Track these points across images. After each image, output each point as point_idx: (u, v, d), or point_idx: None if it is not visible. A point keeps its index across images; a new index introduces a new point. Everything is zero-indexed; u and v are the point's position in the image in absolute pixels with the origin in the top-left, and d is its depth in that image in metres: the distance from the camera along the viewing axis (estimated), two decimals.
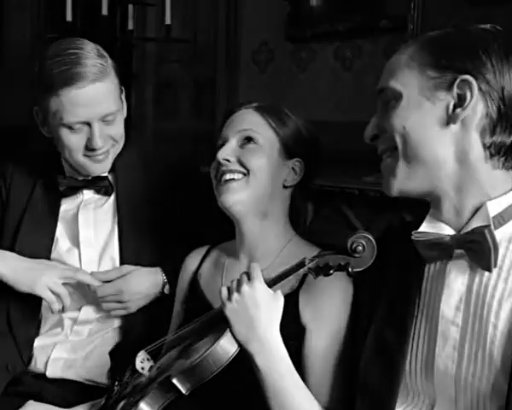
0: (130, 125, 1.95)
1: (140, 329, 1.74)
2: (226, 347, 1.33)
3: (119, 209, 1.81)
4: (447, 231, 1.20)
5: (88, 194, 1.84)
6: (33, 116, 1.78)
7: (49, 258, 1.80)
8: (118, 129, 1.75)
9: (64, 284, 1.75)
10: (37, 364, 1.79)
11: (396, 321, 1.25)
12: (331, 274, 1.33)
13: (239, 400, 1.44)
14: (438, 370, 1.19)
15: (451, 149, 1.17)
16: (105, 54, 1.73)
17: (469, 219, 1.18)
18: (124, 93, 1.81)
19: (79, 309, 1.81)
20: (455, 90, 1.15)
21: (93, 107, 1.67)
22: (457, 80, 1.15)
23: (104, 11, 2.96)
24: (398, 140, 1.19)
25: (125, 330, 1.79)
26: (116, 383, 1.52)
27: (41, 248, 1.80)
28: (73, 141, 1.71)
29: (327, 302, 1.42)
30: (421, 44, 1.20)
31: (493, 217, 1.16)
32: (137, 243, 1.78)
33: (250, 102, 1.60)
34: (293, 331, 1.42)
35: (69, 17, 3.08)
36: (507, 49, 1.16)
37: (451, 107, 1.16)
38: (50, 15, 4.02)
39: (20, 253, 1.78)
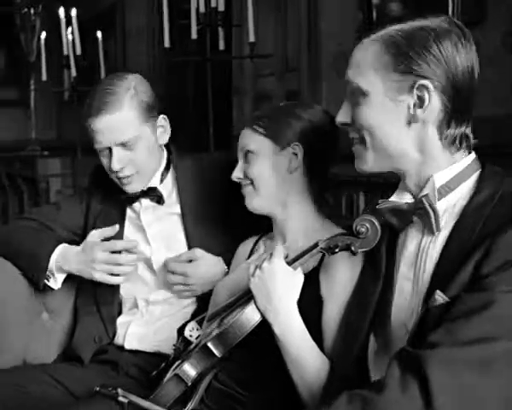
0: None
1: (206, 309, 1.91)
2: (250, 316, 1.53)
3: (183, 208, 2.06)
4: (407, 199, 1.37)
5: (145, 202, 2.09)
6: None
7: None
8: (139, 155, 1.96)
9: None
10: (119, 337, 2.11)
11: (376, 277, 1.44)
12: (337, 253, 1.49)
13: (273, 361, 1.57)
14: (393, 319, 1.39)
15: (413, 142, 1.33)
16: (126, 89, 1.93)
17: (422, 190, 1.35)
18: (165, 121, 2.02)
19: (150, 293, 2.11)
20: (415, 92, 1.29)
21: (108, 134, 1.92)
22: (416, 84, 1.29)
23: (193, 35, 3.30)
24: (366, 134, 1.35)
25: (194, 311, 2.04)
26: (173, 348, 1.80)
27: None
28: (104, 163, 2.00)
29: (340, 278, 1.57)
30: (384, 45, 1.31)
31: (440, 187, 1.32)
32: (202, 237, 2.01)
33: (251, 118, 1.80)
34: (314, 301, 1.59)
35: (167, 44, 3.45)
36: (457, 41, 1.28)
37: (412, 107, 1.30)
38: None
39: None
